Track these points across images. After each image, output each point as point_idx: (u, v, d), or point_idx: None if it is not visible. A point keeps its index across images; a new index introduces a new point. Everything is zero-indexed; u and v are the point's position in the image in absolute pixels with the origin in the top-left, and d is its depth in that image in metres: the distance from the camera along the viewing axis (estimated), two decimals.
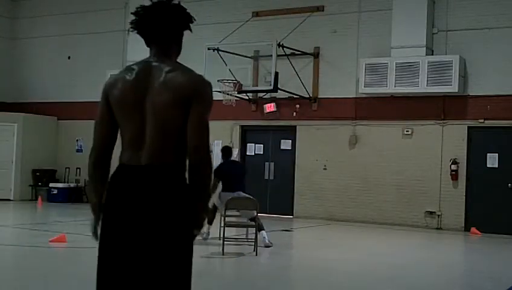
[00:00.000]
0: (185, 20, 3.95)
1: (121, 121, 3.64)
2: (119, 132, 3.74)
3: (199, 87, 3.61)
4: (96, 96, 17.19)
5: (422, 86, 15.37)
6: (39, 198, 19.51)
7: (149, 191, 3.47)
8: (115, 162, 3.87)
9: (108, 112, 3.69)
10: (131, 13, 3.86)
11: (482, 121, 15.34)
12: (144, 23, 3.76)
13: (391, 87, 15.71)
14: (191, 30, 4.02)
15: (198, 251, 10.62)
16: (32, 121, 20.32)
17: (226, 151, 12.17)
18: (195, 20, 4.02)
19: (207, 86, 3.68)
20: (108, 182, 3.68)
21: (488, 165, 15.31)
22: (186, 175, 3.57)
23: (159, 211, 3.45)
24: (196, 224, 3.59)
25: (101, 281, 3.58)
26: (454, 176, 15.43)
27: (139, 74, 3.65)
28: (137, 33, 3.82)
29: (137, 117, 3.57)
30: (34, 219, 16.32)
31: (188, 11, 3.95)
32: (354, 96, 16.67)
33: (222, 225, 10.60)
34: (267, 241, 11.17)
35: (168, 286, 3.51)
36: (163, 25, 3.74)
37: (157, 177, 3.49)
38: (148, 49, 3.93)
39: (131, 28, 3.82)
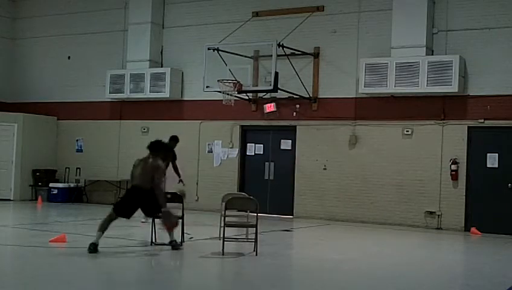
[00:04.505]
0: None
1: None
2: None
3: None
4: (96, 96, 17.47)
5: (422, 86, 15.37)
6: (39, 198, 19.52)
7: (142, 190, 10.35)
8: None
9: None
10: (149, 144, 10.59)
11: (482, 121, 15.33)
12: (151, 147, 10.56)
13: (391, 87, 15.71)
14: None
15: (199, 251, 10.67)
16: (32, 121, 20.32)
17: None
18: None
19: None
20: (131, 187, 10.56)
21: (488, 165, 15.31)
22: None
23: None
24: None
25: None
26: (454, 176, 15.43)
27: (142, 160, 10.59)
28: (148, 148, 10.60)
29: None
30: (34, 219, 16.31)
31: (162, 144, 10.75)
32: (354, 96, 16.66)
33: (222, 225, 10.61)
34: (144, 219, 13.00)
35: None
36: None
37: (144, 188, 10.29)
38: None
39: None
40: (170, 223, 10.37)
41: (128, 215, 10.50)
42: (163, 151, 10.82)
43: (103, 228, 10.28)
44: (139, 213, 14.64)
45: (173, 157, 14.68)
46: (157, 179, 10.33)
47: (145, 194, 10.34)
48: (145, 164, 10.42)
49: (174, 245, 10.63)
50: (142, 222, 13.94)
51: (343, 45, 16.87)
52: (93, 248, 9.97)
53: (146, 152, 10.77)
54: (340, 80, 16.86)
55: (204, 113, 18.51)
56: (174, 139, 14.84)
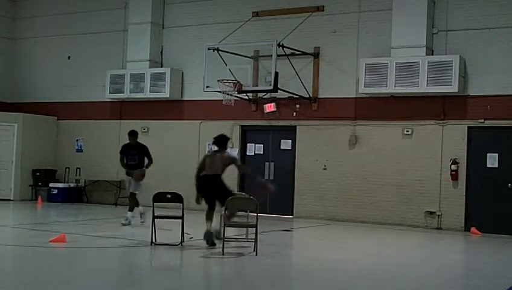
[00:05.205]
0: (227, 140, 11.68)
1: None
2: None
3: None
4: (96, 96, 17.51)
5: (422, 86, 15.37)
6: (39, 198, 19.52)
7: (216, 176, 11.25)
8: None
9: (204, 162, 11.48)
10: (214, 138, 11.68)
11: (482, 121, 15.34)
12: (217, 142, 11.57)
13: (391, 87, 15.71)
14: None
15: (198, 251, 10.68)
16: (32, 121, 20.33)
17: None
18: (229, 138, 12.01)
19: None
20: (201, 177, 11.38)
21: (488, 165, 15.31)
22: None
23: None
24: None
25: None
26: (454, 176, 15.43)
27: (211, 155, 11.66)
28: (214, 143, 11.69)
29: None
30: (34, 219, 16.32)
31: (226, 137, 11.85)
32: (354, 96, 16.67)
33: (222, 225, 10.61)
34: (125, 221, 13.87)
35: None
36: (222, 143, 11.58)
37: (218, 174, 11.25)
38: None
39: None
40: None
41: (213, 206, 11.21)
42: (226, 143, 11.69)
43: (209, 219, 11.11)
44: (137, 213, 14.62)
45: (145, 150, 14.41)
46: (239, 164, 12.16)
47: (219, 180, 11.18)
48: (221, 156, 11.34)
49: (213, 239, 10.99)
50: (141, 222, 13.95)
51: (343, 45, 16.87)
52: (212, 238, 10.95)
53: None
54: (340, 80, 16.87)
55: (204, 113, 18.52)
56: (132, 134, 14.47)
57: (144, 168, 14.16)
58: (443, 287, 8.89)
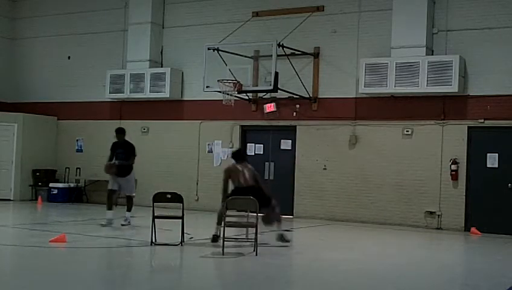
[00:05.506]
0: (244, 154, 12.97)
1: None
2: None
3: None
4: (96, 96, 17.52)
5: (422, 86, 15.37)
6: (39, 198, 19.52)
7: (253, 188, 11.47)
8: None
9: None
10: (233, 153, 12.44)
11: (482, 121, 15.33)
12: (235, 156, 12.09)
13: (391, 87, 15.71)
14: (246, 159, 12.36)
15: (198, 251, 10.67)
16: (32, 121, 20.32)
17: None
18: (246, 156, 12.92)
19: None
20: (232, 190, 11.57)
21: (488, 165, 15.31)
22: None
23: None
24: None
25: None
26: (454, 176, 15.43)
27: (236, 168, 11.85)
28: (232, 157, 12.24)
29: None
30: (34, 219, 16.32)
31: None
32: (354, 96, 16.66)
33: (222, 225, 10.61)
34: (125, 222, 13.80)
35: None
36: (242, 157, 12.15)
37: (253, 186, 11.54)
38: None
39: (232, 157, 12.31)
40: (277, 216, 11.85)
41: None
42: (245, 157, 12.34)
43: (220, 221, 11.09)
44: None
45: (132, 149, 14.17)
46: (260, 179, 11.96)
47: (255, 190, 11.37)
48: (247, 169, 11.72)
49: (282, 238, 11.70)
50: (122, 225, 13.84)
51: (343, 45, 16.87)
52: (215, 238, 11.32)
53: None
54: (340, 80, 16.86)
55: (204, 113, 18.52)
56: (119, 132, 14.20)
57: (115, 162, 13.79)
58: (443, 287, 8.89)
